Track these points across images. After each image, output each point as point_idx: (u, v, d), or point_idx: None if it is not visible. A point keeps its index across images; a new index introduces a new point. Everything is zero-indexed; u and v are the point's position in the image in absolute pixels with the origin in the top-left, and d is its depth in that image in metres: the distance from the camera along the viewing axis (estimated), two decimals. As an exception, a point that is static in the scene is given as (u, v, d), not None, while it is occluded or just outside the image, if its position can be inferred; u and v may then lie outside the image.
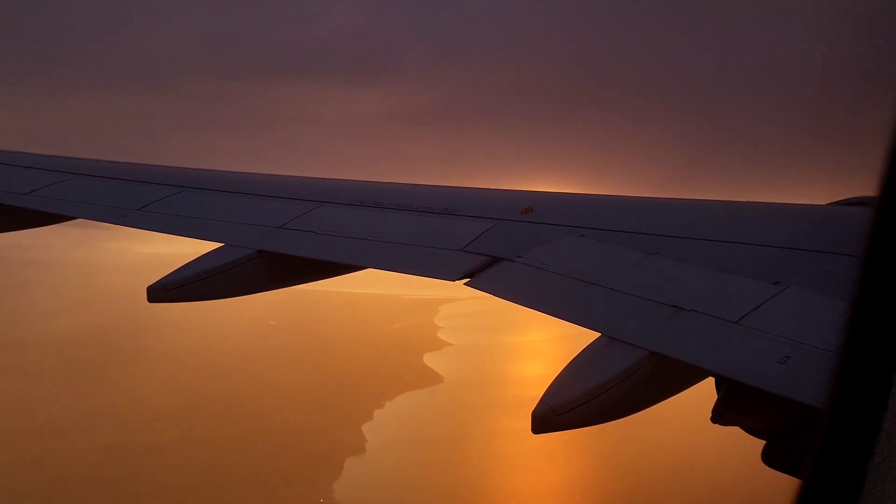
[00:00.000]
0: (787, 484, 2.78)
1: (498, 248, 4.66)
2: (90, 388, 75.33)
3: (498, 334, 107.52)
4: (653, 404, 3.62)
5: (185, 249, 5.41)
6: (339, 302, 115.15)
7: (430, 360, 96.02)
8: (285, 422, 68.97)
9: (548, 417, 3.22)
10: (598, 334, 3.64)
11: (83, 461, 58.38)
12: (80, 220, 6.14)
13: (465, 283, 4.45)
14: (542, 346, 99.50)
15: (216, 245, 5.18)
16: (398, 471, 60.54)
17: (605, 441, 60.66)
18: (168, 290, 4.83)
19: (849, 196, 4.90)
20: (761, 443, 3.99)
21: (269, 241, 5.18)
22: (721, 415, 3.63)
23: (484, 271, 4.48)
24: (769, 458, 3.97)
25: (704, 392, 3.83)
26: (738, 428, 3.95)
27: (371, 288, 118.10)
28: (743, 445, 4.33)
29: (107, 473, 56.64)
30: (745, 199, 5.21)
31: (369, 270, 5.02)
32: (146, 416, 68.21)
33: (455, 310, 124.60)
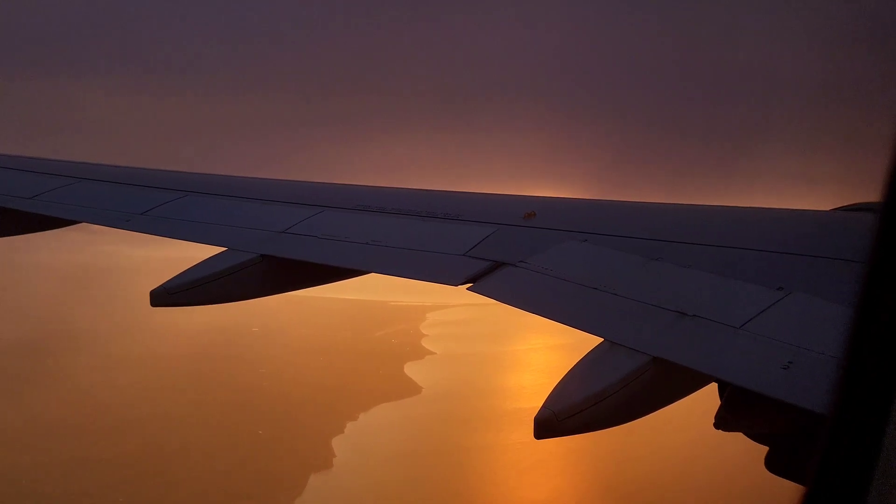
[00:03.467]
0: (790, 490, 2.78)
1: (501, 253, 4.67)
2: (58, 397, 73.32)
3: (484, 343, 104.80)
4: (656, 410, 3.62)
5: (188, 253, 5.41)
6: (323, 308, 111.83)
7: (411, 369, 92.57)
8: (252, 434, 66.87)
9: (550, 422, 3.22)
10: (599, 340, 3.63)
11: (42, 476, 56.65)
12: (80, 223, 6.15)
13: (467, 289, 4.46)
14: (528, 356, 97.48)
15: (219, 249, 5.18)
16: (363, 489, 58.42)
17: (606, 447, 60.17)
18: (171, 294, 4.83)
19: (853, 201, 4.90)
20: (765, 449, 3.99)
21: (272, 246, 5.18)
22: (724, 420, 3.62)
23: (487, 276, 4.49)
24: (773, 464, 3.96)
25: (707, 398, 3.83)
26: (741, 434, 3.94)
27: (358, 294, 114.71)
28: (746, 451, 4.33)
29: (62, 488, 54.90)
30: (748, 205, 5.21)
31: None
32: (109, 428, 66.33)
33: (443, 317, 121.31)
